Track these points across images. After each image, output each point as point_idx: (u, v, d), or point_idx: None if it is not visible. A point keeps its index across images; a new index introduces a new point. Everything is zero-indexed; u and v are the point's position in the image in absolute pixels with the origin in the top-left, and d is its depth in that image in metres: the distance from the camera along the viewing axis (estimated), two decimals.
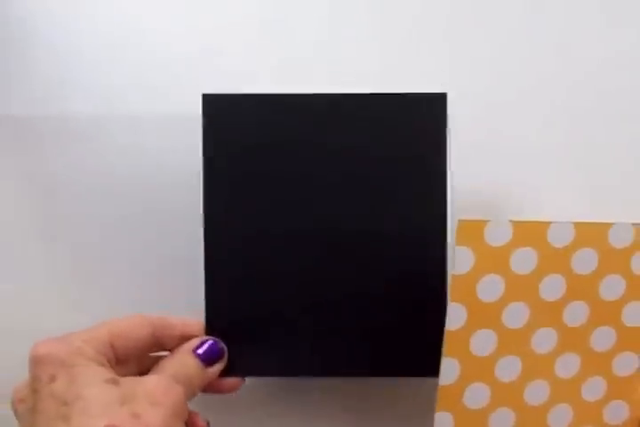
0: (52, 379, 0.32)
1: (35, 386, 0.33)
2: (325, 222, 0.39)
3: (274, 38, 0.46)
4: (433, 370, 0.37)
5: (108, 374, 0.33)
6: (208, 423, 0.38)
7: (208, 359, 0.37)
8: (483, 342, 0.38)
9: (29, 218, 0.45)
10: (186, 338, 0.38)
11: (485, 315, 0.38)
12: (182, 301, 0.40)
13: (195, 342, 0.38)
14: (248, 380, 0.40)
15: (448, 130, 0.39)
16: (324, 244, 0.39)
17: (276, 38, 0.46)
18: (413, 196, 0.39)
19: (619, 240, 0.39)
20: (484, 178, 0.45)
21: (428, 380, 0.39)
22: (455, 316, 0.37)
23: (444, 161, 0.39)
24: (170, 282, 0.45)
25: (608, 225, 0.39)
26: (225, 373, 0.38)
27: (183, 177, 0.44)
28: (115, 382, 0.32)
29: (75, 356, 0.33)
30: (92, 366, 0.33)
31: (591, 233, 0.39)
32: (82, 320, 0.36)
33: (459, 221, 0.37)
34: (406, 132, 0.38)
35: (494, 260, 0.38)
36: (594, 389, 0.41)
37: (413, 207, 0.39)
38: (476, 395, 0.39)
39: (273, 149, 0.39)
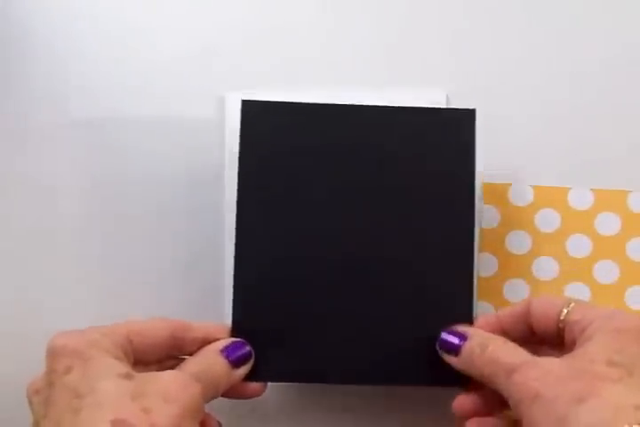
0: (68, 370, 0.32)
1: (50, 378, 0.32)
2: (355, 230, 0.39)
3: (275, 38, 0.46)
4: (460, 380, 0.37)
5: (123, 368, 0.32)
6: (220, 426, 0.36)
7: (236, 360, 0.36)
8: (516, 290, 0.43)
9: (32, 221, 0.45)
10: (208, 341, 0.37)
11: (516, 266, 0.43)
12: (185, 303, 0.39)
13: (222, 342, 0.37)
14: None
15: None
16: (355, 251, 0.39)
17: (277, 38, 0.46)
18: (441, 209, 0.39)
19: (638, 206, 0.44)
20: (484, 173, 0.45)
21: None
22: (486, 265, 0.43)
23: (473, 175, 0.39)
24: (181, 286, 0.44)
25: (626, 192, 0.44)
26: (248, 377, 0.37)
27: (186, 177, 0.44)
28: (128, 377, 0.32)
29: (91, 348, 0.32)
30: (108, 358, 0.32)
31: (610, 199, 0.44)
32: (85, 322, 0.35)
33: (483, 183, 0.44)
34: (436, 146, 0.39)
35: (520, 218, 0.43)
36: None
37: (441, 221, 0.39)
38: None
39: (305, 156, 0.39)
